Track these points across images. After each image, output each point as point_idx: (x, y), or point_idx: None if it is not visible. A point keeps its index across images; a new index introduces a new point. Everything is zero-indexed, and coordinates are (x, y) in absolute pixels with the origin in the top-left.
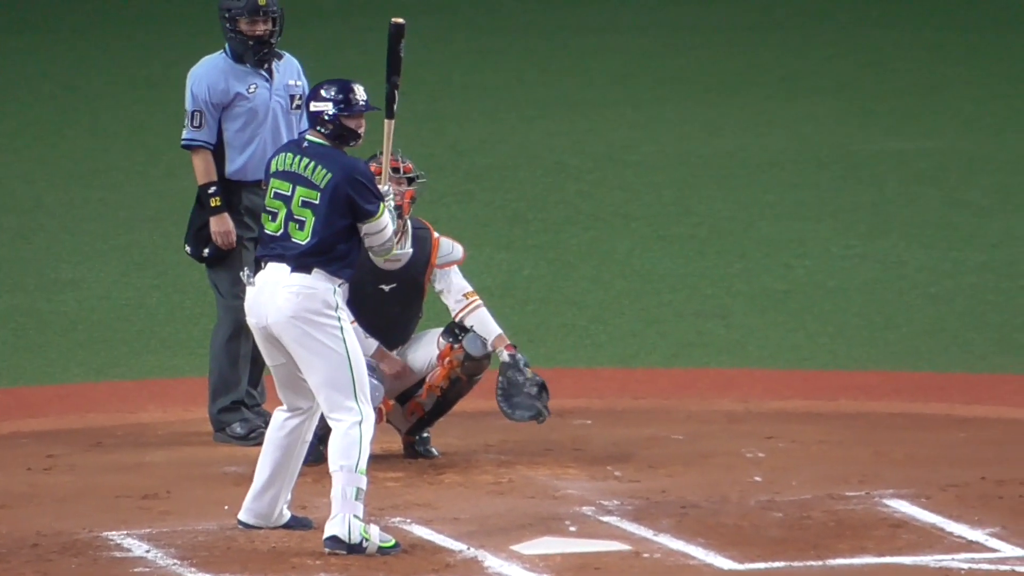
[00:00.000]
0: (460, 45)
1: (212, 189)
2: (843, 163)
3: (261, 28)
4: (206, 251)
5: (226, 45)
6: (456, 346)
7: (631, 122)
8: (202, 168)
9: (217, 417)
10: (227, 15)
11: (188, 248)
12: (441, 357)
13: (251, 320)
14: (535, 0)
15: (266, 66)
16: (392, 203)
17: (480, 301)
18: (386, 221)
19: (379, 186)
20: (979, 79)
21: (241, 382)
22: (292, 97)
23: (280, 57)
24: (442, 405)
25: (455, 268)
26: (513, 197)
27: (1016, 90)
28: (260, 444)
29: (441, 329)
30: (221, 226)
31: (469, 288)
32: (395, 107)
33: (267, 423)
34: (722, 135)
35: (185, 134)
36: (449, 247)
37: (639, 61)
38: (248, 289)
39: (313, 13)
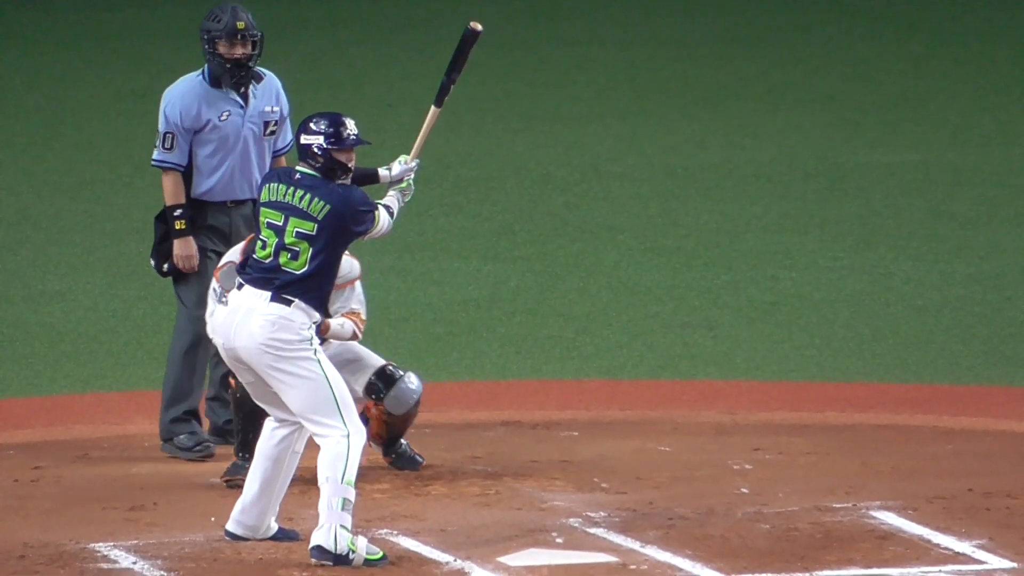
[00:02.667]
0: (444, 58)
1: (178, 212)
2: (829, 175)
3: (240, 51)
4: (166, 266)
5: (205, 66)
6: (379, 404)
7: (616, 134)
8: (171, 189)
9: (168, 427)
10: (207, 37)
11: (152, 261)
12: (367, 410)
13: (217, 340)
14: (520, 13)
15: (243, 90)
16: (413, 176)
17: (356, 321)
18: (382, 223)
19: (405, 164)
20: (965, 91)
21: (195, 393)
22: (267, 124)
23: (259, 79)
24: (393, 436)
25: (355, 285)
26: (500, 209)
27: (1001, 102)
28: (205, 458)
29: (377, 362)
30: (184, 250)
31: (358, 308)
32: (446, 98)
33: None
34: (708, 147)
35: (155, 155)
36: (348, 266)
37: (624, 73)
38: (219, 308)
39: (298, 26)
